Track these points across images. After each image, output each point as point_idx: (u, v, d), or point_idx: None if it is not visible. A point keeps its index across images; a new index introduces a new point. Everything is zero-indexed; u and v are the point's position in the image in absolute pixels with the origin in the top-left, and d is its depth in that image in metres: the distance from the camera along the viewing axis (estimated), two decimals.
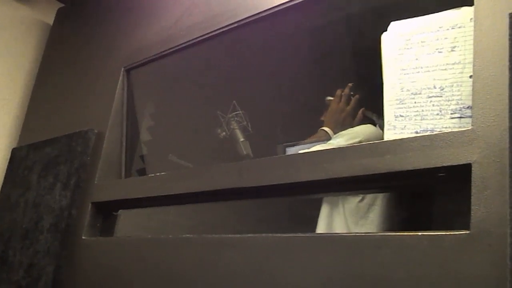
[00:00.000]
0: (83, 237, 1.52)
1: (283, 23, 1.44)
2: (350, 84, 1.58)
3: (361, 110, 1.55)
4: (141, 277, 1.29)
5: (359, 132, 1.46)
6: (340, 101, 1.57)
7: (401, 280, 0.82)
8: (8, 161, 2.00)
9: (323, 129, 1.57)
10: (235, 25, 1.42)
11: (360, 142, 1.40)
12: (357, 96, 1.57)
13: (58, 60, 2.16)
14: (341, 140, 1.45)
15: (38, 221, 1.66)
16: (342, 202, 1.44)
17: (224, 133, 1.80)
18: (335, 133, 1.53)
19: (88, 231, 1.53)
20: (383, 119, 1.43)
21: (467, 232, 0.77)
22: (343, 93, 1.58)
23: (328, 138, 1.52)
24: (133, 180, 1.62)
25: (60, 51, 2.18)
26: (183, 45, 1.56)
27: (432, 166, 0.85)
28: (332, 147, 1.42)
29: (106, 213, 1.58)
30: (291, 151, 1.62)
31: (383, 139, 1.28)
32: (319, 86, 1.72)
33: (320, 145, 1.47)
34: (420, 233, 0.82)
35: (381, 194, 1.42)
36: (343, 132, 1.49)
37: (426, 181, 0.93)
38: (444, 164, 0.84)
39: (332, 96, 1.61)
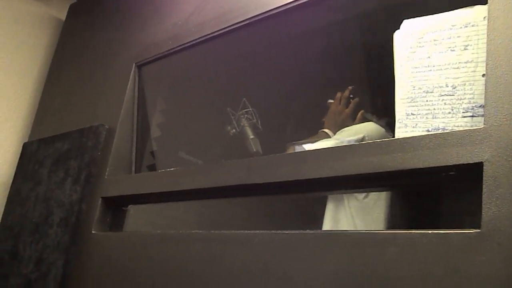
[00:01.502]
0: (92, 232, 1.52)
1: (294, 20, 1.43)
2: (350, 87, 1.59)
3: (360, 113, 1.56)
4: (149, 271, 1.29)
5: (361, 129, 1.47)
6: (340, 104, 1.58)
7: (409, 278, 0.82)
8: (19, 155, 2.02)
9: (323, 131, 1.58)
10: (246, 22, 1.42)
11: (363, 137, 1.40)
12: (356, 99, 1.58)
13: (70, 55, 2.17)
14: (344, 135, 1.46)
15: (48, 215, 1.68)
16: (348, 200, 1.44)
17: (234, 130, 1.80)
18: (335, 134, 1.54)
19: (98, 226, 1.54)
20: (383, 120, 1.44)
21: (478, 230, 0.77)
22: (342, 96, 1.59)
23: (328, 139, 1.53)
24: (143, 175, 1.62)
25: (72, 47, 2.19)
26: (194, 42, 1.56)
27: (443, 165, 0.85)
28: (335, 142, 1.42)
29: (116, 208, 1.58)
30: (299, 149, 1.62)
31: (385, 136, 1.28)
32: (330, 84, 1.72)
33: (324, 141, 1.48)
34: (429, 231, 0.82)
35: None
36: (345, 128, 1.50)
37: (437, 180, 0.93)
38: (456, 163, 0.83)
39: (333, 99, 1.62)
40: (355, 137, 1.41)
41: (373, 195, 1.41)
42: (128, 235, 1.50)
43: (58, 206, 1.65)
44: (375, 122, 1.52)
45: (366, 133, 1.43)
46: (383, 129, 1.47)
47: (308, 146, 1.45)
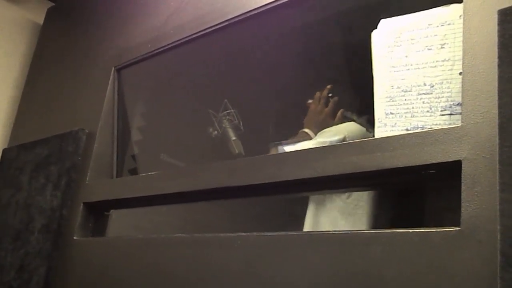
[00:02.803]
0: (74, 238, 1.51)
1: (273, 21, 1.43)
2: (328, 86, 1.60)
3: (340, 111, 1.57)
4: (133, 276, 1.29)
5: (342, 129, 1.48)
6: (319, 103, 1.59)
7: (391, 277, 0.82)
8: None
9: (303, 131, 1.59)
10: (226, 23, 1.41)
11: (344, 138, 1.41)
12: (335, 98, 1.59)
13: (48, 59, 2.15)
14: (325, 136, 1.46)
15: (29, 222, 1.66)
16: (330, 200, 1.44)
17: (216, 132, 1.80)
18: (315, 133, 1.54)
19: (80, 232, 1.52)
20: (363, 118, 1.45)
21: (458, 228, 0.77)
22: (321, 95, 1.59)
23: (309, 139, 1.53)
24: (124, 179, 1.61)
25: (50, 51, 2.17)
26: (174, 44, 1.56)
27: (422, 163, 0.85)
28: (316, 144, 1.43)
29: (98, 213, 1.57)
30: (281, 150, 1.62)
31: (366, 135, 1.28)
32: (311, 84, 1.72)
33: (305, 142, 1.48)
34: (410, 230, 0.82)
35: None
36: (326, 129, 1.51)
37: (417, 179, 0.93)
38: (434, 161, 0.84)
39: (312, 99, 1.63)
40: (336, 138, 1.42)
41: (355, 195, 1.42)
42: (111, 240, 1.49)
43: (39, 212, 1.63)
44: (355, 120, 1.53)
45: (347, 133, 1.44)
46: (364, 129, 1.48)
47: (289, 148, 1.45)
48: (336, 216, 1.42)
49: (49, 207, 1.61)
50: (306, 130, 1.59)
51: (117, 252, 1.38)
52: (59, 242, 1.54)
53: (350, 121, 1.55)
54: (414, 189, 1.28)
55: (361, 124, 1.51)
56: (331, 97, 1.60)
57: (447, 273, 0.76)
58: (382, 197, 1.43)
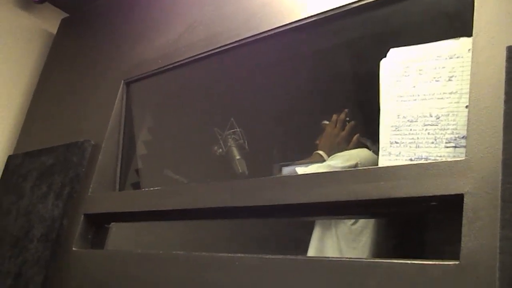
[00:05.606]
0: (73, 249, 1.50)
1: (284, 44, 1.44)
2: (346, 110, 1.59)
3: (355, 136, 1.56)
4: None
5: (355, 155, 1.46)
6: (335, 126, 1.59)
7: None
8: (3, 168, 2.00)
9: (317, 153, 1.58)
10: (237, 44, 1.43)
11: (356, 164, 1.40)
12: (352, 122, 1.58)
13: (59, 69, 2.17)
14: (337, 161, 1.45)
15: (29, 230, 1.65)
16: (335, 225, 1.44)
17: (220, 150, 1.80)
18: (329, 156, 1.53)
19: (79, 243, 1.52)
20: (376, 145, 1.44)
21: (457, 262, 0.77)
22: (338, 118, 1.59)
23: (323, 161, 1.52)
24: (127, 193, 1.61)
25: (61, 61, 2.19)
26: (184, 61, 1.57)
27: (424, 195, 0.85)
28: (328, 167, 1.42)
29: (98, 225, 1.57)
30: (286, 170, 1.62)
31: (377, 163, 1.28)
32: (317, 108, 1.72)
33: (316, 165, 1.47)
34: (409, 261, 0.82)
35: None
36: (339, 153, 1.50)
37: (419, 209, 0.93)
38: (437, 193, 0.83)
39: (328, 121, 1.62)
40: (348, 164, 1.41)
41: (361, 222, 1.41)
42: (109, 253, 1.49)
43: (40, 221, 1.63)
44: (369, 146, 1.52)
45: (359, 160, 1.43)
46: (376, 156, 1.47)
47: (300, 169, 1.44)
48: (340, 242, 1.41)
49: (49, 216, 1.61)
50: (320, 152, 1.58)
51: (115, 266, 1.38)
52: (58, 252, 1.53)
53: (365, 146, 1.54)
54: (417, 219, 1.28)
55: (374, 152, 1.50)
56: (348, 121, 1.60)
57: None
58: (387, 226, 1.42)
